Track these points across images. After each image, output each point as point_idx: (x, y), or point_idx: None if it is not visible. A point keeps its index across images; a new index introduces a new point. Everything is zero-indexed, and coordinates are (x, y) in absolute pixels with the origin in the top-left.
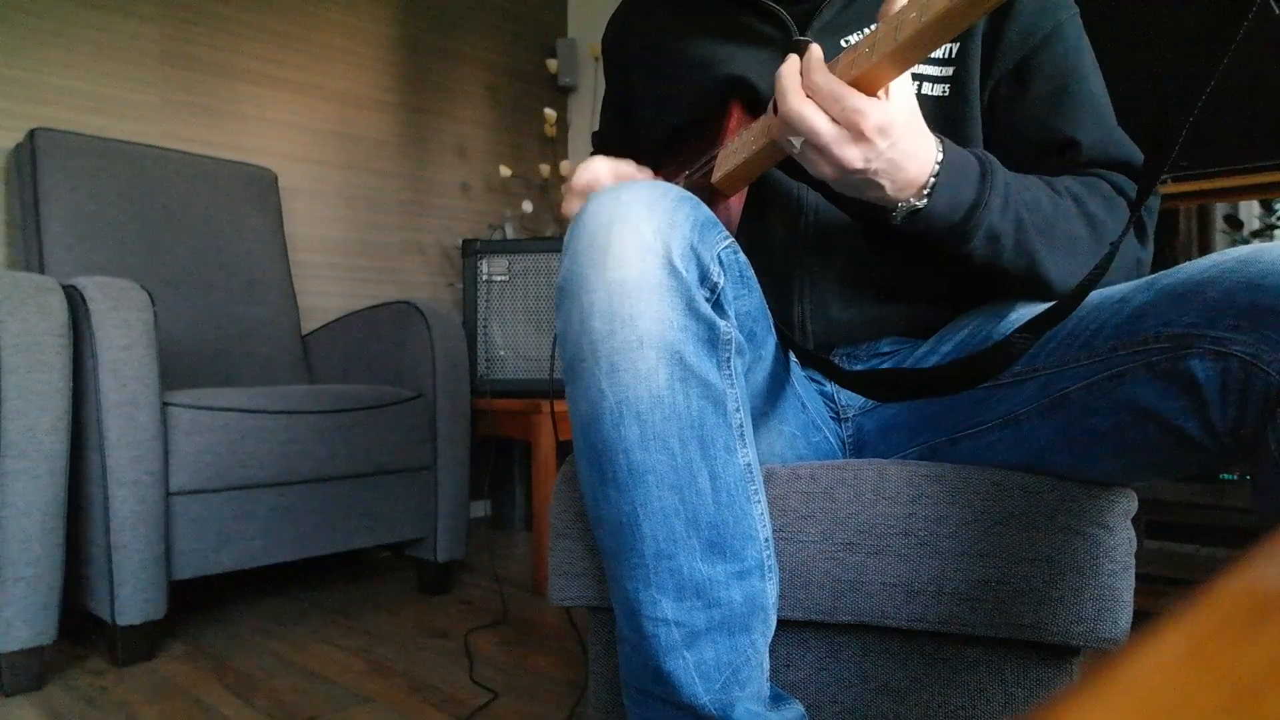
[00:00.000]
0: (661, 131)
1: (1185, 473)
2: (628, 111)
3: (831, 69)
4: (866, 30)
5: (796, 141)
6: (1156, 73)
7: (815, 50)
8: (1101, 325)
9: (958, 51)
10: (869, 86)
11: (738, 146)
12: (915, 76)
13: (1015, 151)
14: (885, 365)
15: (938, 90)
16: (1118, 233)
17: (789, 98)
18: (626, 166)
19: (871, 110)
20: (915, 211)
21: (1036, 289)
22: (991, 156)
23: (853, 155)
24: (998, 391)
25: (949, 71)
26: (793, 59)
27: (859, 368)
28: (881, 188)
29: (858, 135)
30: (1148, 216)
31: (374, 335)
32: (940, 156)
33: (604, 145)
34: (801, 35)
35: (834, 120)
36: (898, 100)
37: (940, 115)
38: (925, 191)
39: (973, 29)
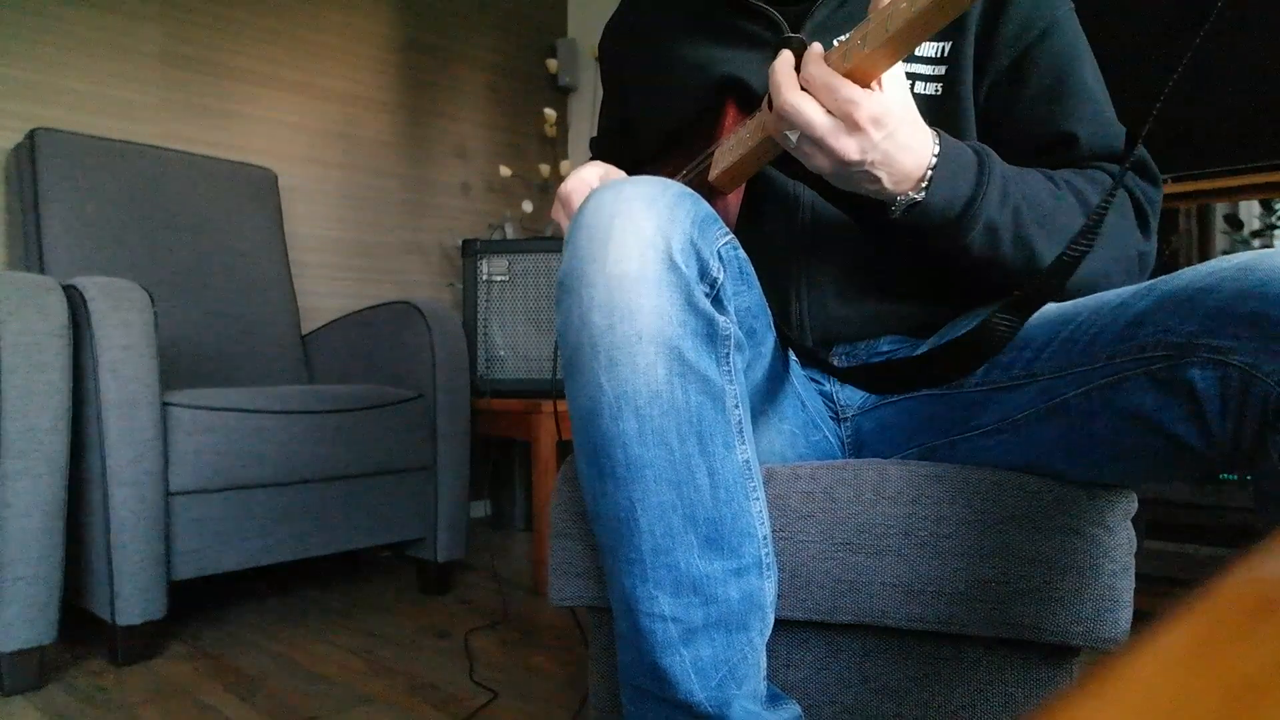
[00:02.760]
0: (658, 133)
1: (1183, 478)
2: (625, 116)
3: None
4: None
5: (793, 135)
6: (1138, 52)
7: (815, 46)
8: (1100, 331)
9: (950, 50)
10: (862, 78)
11: (733, 144)
12: (908, 75)
13: (1014, 148)
14: None
15: (930, 89)
16: (1123, 226)
17: (783, 91)
18: (616, 173)
19: (865, 100)
20: (914, 205)
21: None
22: (989, 149)
23: (849, 147)
24: (996, 395)
25: (941, 70)
26: (785, 54)
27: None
28: (879, 180)
29: (852, 126)
30: (1150, 209)
31: (374, 335)
32: (937, 149)
33: (602, 151)
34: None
35: (828, 112)
36: (891, 91)
37: (933, 114)
38: (923, 184)
39: (965, 27)
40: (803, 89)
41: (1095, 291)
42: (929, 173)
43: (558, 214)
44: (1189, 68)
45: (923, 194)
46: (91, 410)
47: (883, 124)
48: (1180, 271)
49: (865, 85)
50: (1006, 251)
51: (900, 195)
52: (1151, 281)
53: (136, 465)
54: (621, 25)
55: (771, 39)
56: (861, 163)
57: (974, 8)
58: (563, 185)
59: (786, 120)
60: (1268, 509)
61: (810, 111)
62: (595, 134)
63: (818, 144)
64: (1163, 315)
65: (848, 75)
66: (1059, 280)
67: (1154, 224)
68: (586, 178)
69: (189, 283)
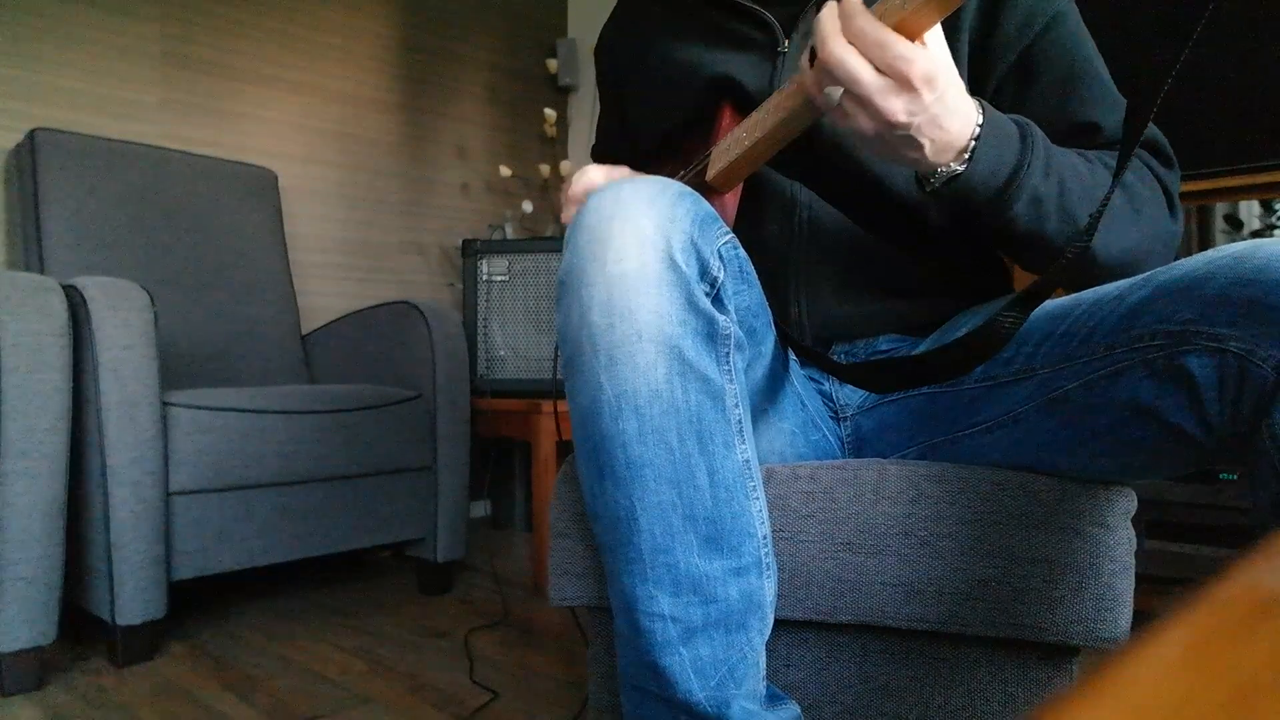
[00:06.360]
0: (655, 136)
1: (1183, 471)
2: (623, 121)
3: None
4: None
5: (835, 93)
6: (1141, 35)
7: None
8: (1098, 323)
9: None
10: (907, 35)
11: (733, 141)
12: None
13: None
14: None
15: None
16: (1155, 202)
17: (830, 43)
18: (621, 171)
19: (919, 58)
20: (955, 177)
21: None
22: (1027, 119)
23: (896, 107)
24: (996, 390)
25: None
26: (831, 5)
27: None
28: (921, 147)
29: (903, 84)
30: (1173, 190)
31: (374, 335)
32: (981, 118)
33: (602, 158)
34: (787, 37)
35: (877, 69)
36: (936, 49)
37: None
38: (965, 155)
39: (960, 27)
40: (849, 42)
41: (1137, 268)
42: (973, 141)
43: (570, 215)
44: (1188, 60)
45: (965, 165)
46: (91, 410)
47: (934, 84)
48: (1177, 262)
49: (912, 41)
50: (1052, 225)
51: (941, 167)
52: (1149, 273)
53: (136, 465)
54: (616, 29)
55: (764, 41)
56: (908, 125)
57: (967, 9)
58: (570, 186)
59: (831, 74)
60: (1260, 495)
61: (858, 66)
62: (594, 141)
63: (862, 103)
64: (1160, 305)
65: (894, 29)
66: (1062, 276)
67: (1178, 205)
68: (593, 177)
69: (189, 283)
